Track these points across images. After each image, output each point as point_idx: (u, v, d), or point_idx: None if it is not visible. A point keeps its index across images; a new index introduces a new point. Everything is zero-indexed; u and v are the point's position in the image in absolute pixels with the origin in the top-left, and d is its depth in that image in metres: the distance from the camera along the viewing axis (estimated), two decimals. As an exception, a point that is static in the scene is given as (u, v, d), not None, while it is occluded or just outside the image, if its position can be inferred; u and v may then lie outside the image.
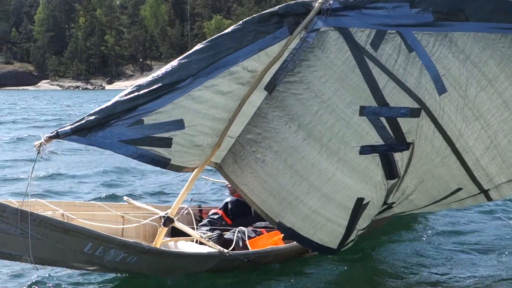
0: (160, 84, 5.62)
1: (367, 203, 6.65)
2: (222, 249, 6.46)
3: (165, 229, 6.62)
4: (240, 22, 5.97)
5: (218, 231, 7.39)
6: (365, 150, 6.33)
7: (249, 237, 7.53)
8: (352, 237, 6.91)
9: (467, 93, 6.13)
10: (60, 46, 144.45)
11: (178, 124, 5.77)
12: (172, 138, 5.78)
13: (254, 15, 6.01)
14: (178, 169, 6.07)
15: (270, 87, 6.24)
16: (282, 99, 6.27)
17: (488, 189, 6.83)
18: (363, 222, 6.85)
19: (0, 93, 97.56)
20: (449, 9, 6.06)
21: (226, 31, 5.90)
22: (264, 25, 5.95)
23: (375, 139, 6.31)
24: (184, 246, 7.00)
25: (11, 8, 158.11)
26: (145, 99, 5.58)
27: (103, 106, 5.54)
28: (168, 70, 5.70)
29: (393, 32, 6.09)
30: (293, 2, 6.12)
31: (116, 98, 5.58)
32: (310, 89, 6.18)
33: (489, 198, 7.00)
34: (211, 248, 6.72)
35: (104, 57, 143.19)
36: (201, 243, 7.52)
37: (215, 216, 8.25)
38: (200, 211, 8.72)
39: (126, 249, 5.77)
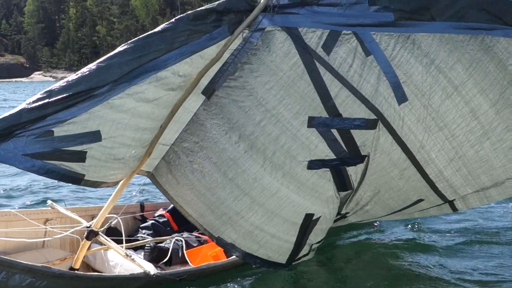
0: (74, 91, 4.80)
1: (318, 218, 6.07)
2: (148, 269, 5.82)
3: (88, 243, 5.98)
4: (172, 20, 5.15)
5: (152, 244, 6.83)
6: (314, 165, 5.70)
7: (191, 246, 6.98)
8: (304, 252, 6.38)
9: (430, 102, 5.45)
10: (50, 38, 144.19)
11: (94, 136, 5.00)
12: (86, 152, 5.02)
13: (188, 12, 5.19)
14: (95, 185, 5.36)
15: (208, 92, 5.54)
16: (221, 105, 5.58)
17: (453, 199, 6.27)
18: (315, 237, 6.30)
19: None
20: (412, 7, 5.28)
21: (155, 30, 5.10)
22: (199, 23, 5.16)
23: (326, 153, 5.67)
24: (113, 257, 6.39)
25: (0, 0, 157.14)
26: (56, 108, 4.77)
27: (6, 115, 4.76)
28: (85, 74, 4.87)
29: (349, 33, 5.35)
30: None
31: (23, 105, 4.78)
32: (252, 96, 5.50)
33: (454, 209, 6.44)
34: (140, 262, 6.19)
35: (96, 47, 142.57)
36: (135, 249, 7.00)
37: (161, 220, 7.61)
38: (142, 208, 8.05)
39: (33, 274, 5.15)
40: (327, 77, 5.42)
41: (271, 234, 6.00)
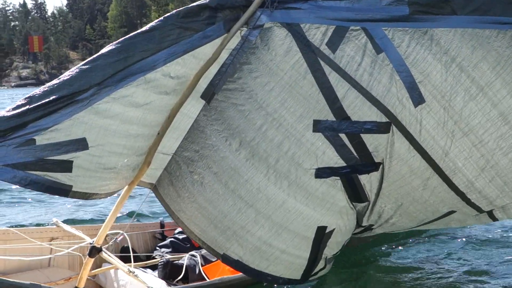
0: (56, 96, 4.43)
1: (332, 231, 5.57)
2: (152, 286, 5.43)
3: (91, 260, 5.61)
4: (161, 17, 4.78)
5: (166, 258, 6.50)
6: (322, 173, 5.20)
7: (209, 261, 6.60)
8: (320, 266, 5.89)
9: (451, 104, 4.84)
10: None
11: (80, 144, 4.59)
12: (72, 161, 4.60)
13: (179, 9, 4.82)
14: (85, 196, 4.93)
15: (208, 96, 5.14)
16: (221, 110, 5.17)
17: (492, 210, 5.57)
18: (330, 250, 5.81)
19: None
20: None
21: (143, 29, 4.74)
22: (191, 21, 4.75)
23: (335, 160, 5.17)
24: (123, 276, 6.04)
25: (85, 6, 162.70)
26: (37, 114, 4.41)
27: None
28: (66, 78, 4.51)
29: (357, 29, 4.84)
30: None
31: (2, 113, 4.47)
32: (252, 98, 5.06)
33: (494, 218, 5.73)
34: (155, 279, 5.85)
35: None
36: (154, 268, 6.68)
37: (181, 236, 7.25)
38: (162, 227, 7.71)
39: None
40: (333, 76, 4.93)
41: (280, 250, 5.54)
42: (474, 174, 5.13)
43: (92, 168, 4.78)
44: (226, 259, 5.63)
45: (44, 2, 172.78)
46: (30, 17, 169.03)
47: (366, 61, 4.86)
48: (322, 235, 5.54)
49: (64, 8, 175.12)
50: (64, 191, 4.72)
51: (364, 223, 5.84)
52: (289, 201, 5.31)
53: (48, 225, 7.08)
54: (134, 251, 6.70)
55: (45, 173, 4.57)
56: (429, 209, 5.60)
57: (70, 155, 4.59)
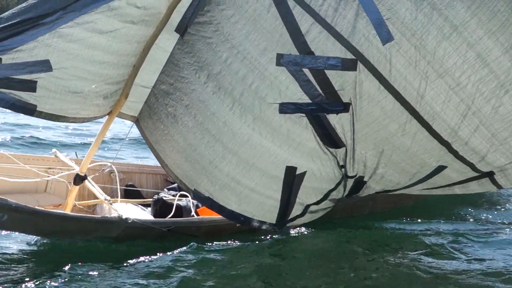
0: (22, 18, 4.71)
1: (303, 173, 5.49)
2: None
3: (76, 187, 5.93)
4: None
5: (159, 196, 6.65)
6: (286, 108, 5.17)
7: None
8: (297, 212, 5.80)
9: (423, 43, 4.67)
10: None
11: (43, 65, 4.85)
12: (36, 81, 4.88)
13: None
14: (52, 118, 5.19)
15: (181, 29, 5.27)
16: (192, 43, 5.27)
17: (490, 172, 5.28)
18: (307, 196, 5.71)
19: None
20: None
21: None
22: None
23: (298, 96, 5.11)
24: (117, 209, 6.05)
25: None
26: (4, 35, 4.69)
27: None
28: (33, 2, 4.77)
29: None
30: None
31: None
32: (219, 31, 5.13)
33: (497, 185, 5.44)
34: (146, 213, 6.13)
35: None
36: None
37: None
38: None
39: None
40: (297, 10, 4.90)
41: (249, 188, 5.54)
42: (455, 120, 4.91)
43: (57, 90, 5.05)
44: (197, 196, 5.71)
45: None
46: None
47: None
48: (293, 177, 5.48)
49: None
50: (29, 110, 5.01)
51: (351, 173, 5.68)
52: (254, 136, 5.31)
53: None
54: (137, 190, 6.95)
55: (10, 91, 4.86)
56: (415, 160, 5.37)
57: (34, 75, 4.87)
